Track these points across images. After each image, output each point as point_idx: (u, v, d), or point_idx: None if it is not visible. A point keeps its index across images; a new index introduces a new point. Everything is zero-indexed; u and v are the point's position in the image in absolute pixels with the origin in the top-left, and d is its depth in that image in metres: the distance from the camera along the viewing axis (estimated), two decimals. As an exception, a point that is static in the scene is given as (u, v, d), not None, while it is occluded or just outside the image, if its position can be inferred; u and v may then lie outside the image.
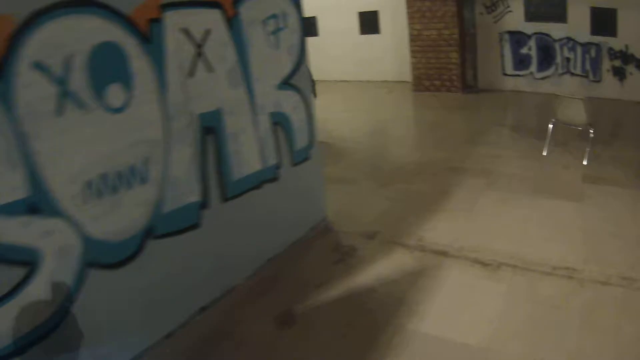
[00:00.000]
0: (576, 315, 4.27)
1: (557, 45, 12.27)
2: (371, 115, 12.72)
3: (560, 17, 11.92)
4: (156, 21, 3.93)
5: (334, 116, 11.65)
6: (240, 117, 4.88)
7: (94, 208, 3.64)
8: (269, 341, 4.39)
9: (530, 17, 12.50)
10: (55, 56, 3.29)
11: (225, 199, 4.80)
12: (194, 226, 4.52)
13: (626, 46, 10.84)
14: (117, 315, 3.91)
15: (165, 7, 4.00)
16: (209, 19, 4.45)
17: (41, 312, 3.41)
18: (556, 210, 6.24)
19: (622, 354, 3.83)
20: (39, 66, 3.20)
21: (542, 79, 12.85)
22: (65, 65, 3.35)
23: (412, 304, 4.61)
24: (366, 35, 16.45)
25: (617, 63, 11.17)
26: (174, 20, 4.07)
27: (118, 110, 3.71)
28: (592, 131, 7.78)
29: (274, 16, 5.19)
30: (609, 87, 11.50)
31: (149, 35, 3.88)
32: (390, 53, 15.97)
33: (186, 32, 4.19)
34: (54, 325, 3.49)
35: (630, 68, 10.90)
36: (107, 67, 3.61)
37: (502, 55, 13.35)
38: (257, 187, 5.19)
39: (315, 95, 9.39)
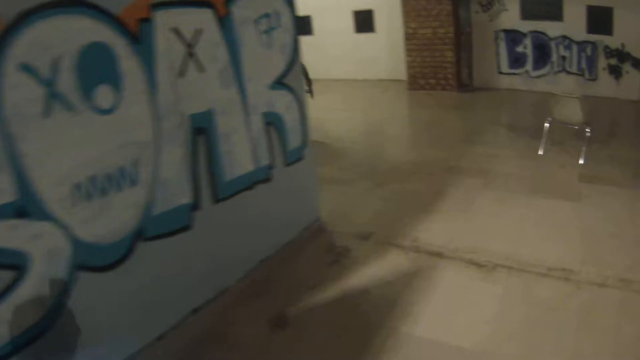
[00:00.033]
0: (573, 318, 4.25)
1: (552, 44, 12.27)
2: (366, 115, 12.73)
3: (556, 15, 11.91)
4: (146, 21, 3.88)
5: (328, 115, 11.61)
6: (232, 117, 4.84)
7: (83, 211, 3.59)
8: (262, 344, 4.37)
9: (525, 15, 12.50)
10: (43, 57, 3.24)
11: (217, 200, 4.75)
12: (185, 228, 4.47)
13: (622, 44, 10.84)
14: (107, 317, 3.87)
15: (156, 6, 3.95)
16: (200, 18, 4.40)
17: (30, 316, 3.37)
18: (553, 210, 6.23)
19: (620, 356, 3.82)
20: (27, 67, 3.15)
21: (538, 77, 12.86)
22: (53, 66, 3.30)
23: (406, 305, 4.59)
24: (361, 34, 16.43)
25: (613, 61, 11.18)
26: (164, 20, 4.02)
27: (107, 111, 3.66)
28: (588, 130, 7.77)
29: (266, 15, 5.15)
30: (605, 85, 11.50)
31: (138, 36, 3.83)
32: (385, 52, 15.96)
33: (177, 31, 4.14)
34: (44, 328, 3.45)
35: (626, 66, 10.91)
36: (95, 68, 3.56)
37: (498, 54, 13.35)
38: (249, 188, 5.14)
39: (312, 95, 9.40)
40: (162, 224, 4.24)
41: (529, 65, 12.94)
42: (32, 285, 3.35)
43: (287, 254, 5.69)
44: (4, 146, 3.09)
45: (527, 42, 12.71)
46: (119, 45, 3.70)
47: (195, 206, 4.53)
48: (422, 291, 4.79)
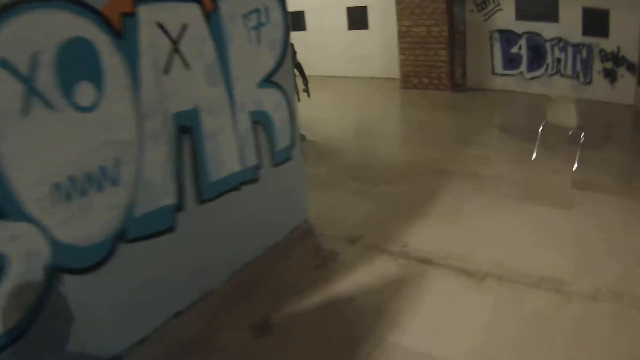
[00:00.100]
0: (564, 331, 4.18)
1: (547, 45, 12.24)
2: (358, 113, 12.66)
3: (552, 16, 11.87)
4: (129, 16, 3.79)
5: (319, 113, 11.54)
6: (218, 116, 4.75)
7: (62, 211, 3.51)
8: (246, 349, 4.29)
9: (521, 15, 12.46)
10: (21, 53, 3.15)
11: (202, 201, 4.68)
12: (169, 230, 4.39)
13: (618, 48, 10.81)
14: (87, 320, 3.78)
15: (140, 0, 3.85)
16: (186, 13, 4.31)
17: (8, 318, 3.29)
18: (545, 217, 6.17)
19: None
20: (4, 63, 3.05)
21: (532, 79, 12.83)
22: (32, 63, 3.20)
23: (394, 314, 4.51)
24: (354, 30, 16.38)
25: (609, 65, 11.14)
26: (148, 14, 3.92)
27: (88, 109, 3.57)
28: (582, 135, 7.71)
29: (256, 10, 5.07)
30: (600, 89, 11.47)
31: (121, 31, 3.74)
32: (378, 49, 15.92)
33: (161, 27, 4.05)
34: (22, 330, 3.38)
35: (622, 70, 10.87)
36: (76, 64, 3.47)
37: (492, 54, 13.31)
38: (235, 188, 5.07)
39: (309, 94, 9.31)
40: (145, 226, 4.16)
41: (523, 67, 12.90)
42: (10, 288, 3.28)
43: (274, 256, 5.61)
44: (-20, 145, 3.00)
45: (522, 43, 12.67)
46: (101, 40, 3.61)
47: (179, 207, 4.46)
48: (410, 300, 4.71)
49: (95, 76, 3.59)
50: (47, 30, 3.28)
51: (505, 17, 12.71)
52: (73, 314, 3.66)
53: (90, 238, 3.74)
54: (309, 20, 17.12)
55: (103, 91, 3.64)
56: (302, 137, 9.32)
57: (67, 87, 3.40)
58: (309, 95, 9.41)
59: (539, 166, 7.85)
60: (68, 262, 3.60)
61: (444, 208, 6.61)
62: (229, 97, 4.84)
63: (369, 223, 6.32)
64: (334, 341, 4.29)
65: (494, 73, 13.47)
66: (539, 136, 8.20)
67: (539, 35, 12.31)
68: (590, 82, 11.68)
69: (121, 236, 3.97)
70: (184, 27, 4.27)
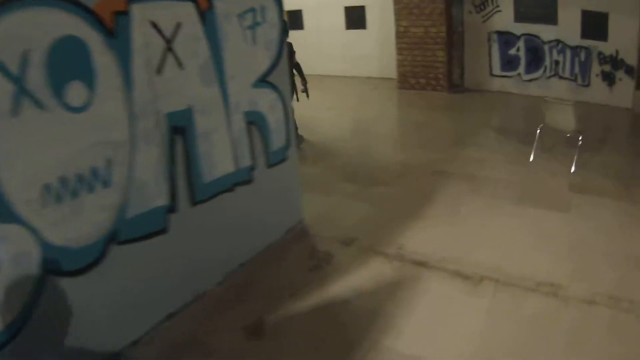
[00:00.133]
0: (561, 336, 4.14)
1: (546, 48, 12.21)
2: (355, 113, 12.62)
3: (551, 18, 11.85)
4: (122, 14, 3.75)
5: (316, 113, 11.50)
6: (212, 116, 4.71)
7: (53, 213, 3.46)
8: (238, 352, 4.25)
9: (519, 17, 12.44)
10: (11, 51, 3.10)
11: (195, 202, 4.64)
12: (161, 231, 4.35)
13: (616, 51, 10.78)
14: (79, 322, 3.74)
15: (133, -1, 3.82)
16: (181, 12, 4.27)
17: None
18: (542, 220, 6.13)
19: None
20: (-6, 63, 3.02)
21: (530, 80, 12.80)
22: (23, 62, 3.16)
23: (389, 318, 4.47)
24: (352, 30, 16.35)
25: (607, 68, 11.11)
26: (141, 13, 3.88)
27: (79, 109, 3.52)
28: (580, 138, 7.68)
29: (251, 10, 5.03)
30: (598, 92, 11.45)
31: (114, 30, 3.70)
32: (376, 49, 15.89)
33: (155, 26, 4.01)
34: (13, 334, 3.34)
35: (620, 74, 10.84)
36: (67, 63, 3.42)
37: (490, 56, 13.29)
38: (229, 189, 5.03)
39: (308, 95, 9.27)
40: (137, 227, 4.12)
41: (521, 69, 12.88)
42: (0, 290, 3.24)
43: (268, 258, 5.57)
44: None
45: (520, 44, 12.64)
46: (93, 39, 3.57)
47: (171, 208, 4.41)
48: (405, 303, 4.67)
49: (86, 76, 3.55)
50: (38, 29, 3.23)
51: (504, 18, 12.68)
52: (71, 312, 3.65)
53: (82, 240, 3.69)
54: (306, 19, 17.10)
55: (95, 91, 3.60)
56: (301, 138, 9.29)
57: (58, 87, 3.36)
58: (307, 96, 9.36)
59: (537, 169, 7.82)
60: (59, 264, 3.56)
61: (441, 210, 6.58)
62: (223, 97, 4.80)
63: (364, 224, 6.29)
64: (328, 344, 4.24)
65: (491, 74, 13.44)
66: (536, 138, 8.17)
67: (538, 37, 12.29)
68: (588, 85, 11.66)
69: (113, 238, 3.92)
70: (178, 26, 4.23)
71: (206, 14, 4.49)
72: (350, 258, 5.50)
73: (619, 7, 10.44)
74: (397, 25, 13.84)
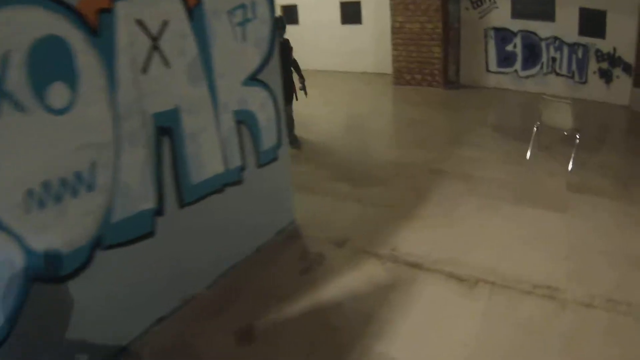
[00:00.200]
0: (557, 340, 4.09)
1: (543, 44, 12.21)
2: (350, 109, 12.59)
3: (548, 15, 11.85)
4: (106, 12, 3.65)
5: (310, 109, 11.38)
6: (200, 116, 4.62)
7: (36, 219, 3.37)
8: (228, 358, 4.19)
9: (517, 14, 12.43)
10: (-10, 52, 3.02)
11: (183, 204, 4.55)
12: (148, 235, 4.26)
13: (614, 49, 10.78)
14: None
15: (118, -4, 3.72)
16: (168, 9, 4.17)
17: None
18: (539, 220, 6.09)
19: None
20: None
21: (527, 77, 12.80)
22: (3, 62, 3.06)
23: (382, 322, 4.40)
24: (348, 25, 16.32)
25: (604, 65, 11.11)
26: (126, 10, 3.78)
27: (62, 111, 3.42)
28: (578, 136, 7.62)
29: (241, 6, 4.94)
30: (595, 89, 11.45)
31: (97, 28, 3.60)
32: (371, 45, 15.89)
33: (141, 23, 3.91)
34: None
35: (617, 71, 10.84)
36: (49, 63, 3.32)
37: (487, 52, 13.26)
38: (218, 191, 4.95)
39: (306, 93, 9.18)
40: (123, 231, 4.04)
41: (518, 65, 12.87)
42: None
43: (259, 260, 5.50)
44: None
45: (517, 41, 12.63)
46: (76, 38, 3.47)
47: (158, 211, 4.33)
48: (398, 307, 4.60)
49: (69, 76, 3.45)
50: (19, 29, 3.13)
51: (501, 15, 12.67)
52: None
53: (67, 245, 3.60)
54: (302, 14, 17.04)
55: (78, 92, 3.50)
56: (296, 140, 9.18)
57: (39, 88, 3.26)
58: (305, 94, 9.24)
59: (534, 168, 7.78)
60: (44, 271, 3.48)
61: (435, 210, 6.51)
62: (211, 96, 4.71)
63: (357, 225, 6.23)
64: (319, 350, 4.18)
65: (488, 71, 13.41)
66: (533, 137, 8.12)
67: (535, 34, 12.27)
68: (585, 82, 11.65)
69: (99, 243, 3.83)
70: (165, 24, 4.13)
71: (194, 11, 4.40)
72: (343, 260, 5.43)
73: (617, 4, 10.44)
74: (393, 20, 13.81)
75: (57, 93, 3.38)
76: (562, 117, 7.65)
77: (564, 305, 4.50)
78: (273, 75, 5.51)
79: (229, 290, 5.00)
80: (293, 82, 8.98)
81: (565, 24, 11.59)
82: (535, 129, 8.14)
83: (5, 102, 3.09)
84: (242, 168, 5.21)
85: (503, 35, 12.78)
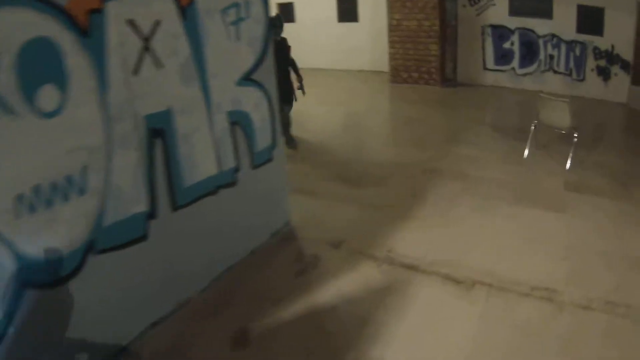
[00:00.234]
0: (555, 343, 4.06)
1: (541, 42, 12.21)
2: (346, 108, 12.56)
3: (546, 12, 11.85)
4: (97, 12, 3.60)
5: (306, 108, 11.35)
6: (193, 117, 4.57)
7: (26, 224, 3.32)
8: (223, 362, 4.17)
9: (514, 11, 12.43)
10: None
11: (176, 207, 4.51)
12: (141, 238, 4.21)
13: (612, 46, 10.78)
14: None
15: (108, -5, 3.68)
16: (159, 8, 4.12)
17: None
18: (536, 221, 6.06)
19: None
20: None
21: (524, 75, 12.80)
22: (-9, 65, 3.02)
23: (377, 326, 4.36)
24: (344, 23, 16.30)
25: (602, 63, 11.11)
26: (117, 10, 3.73)
27: (52, 114, 3.37)
28: (576, 135, 7.59)
29: (235, 5, 4.89)
30: (593, 86, 11.45)
31: (88, 29, 3.55)
32: (368, 42, 15.89)
33: (132, 23, 3.87)
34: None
35: (615, 69, 10.84)
36: (38, 66, 3.27)
37: (484, 49, 13.25)
38: (212, 193, 4.90)
39: (304, 92, 9.13)
40: (116, 235, 3.99)
41: (515, 63, 12.87)
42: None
43: (254, 262, 5.46)
44: None
45: (515, 38, 12.62)
46: (66, 39, 3.41)
47: (151, 215, 4.28)
48: (395, 309, 4.57)
49: (59, 78, 3.40)
50: (7, 31, 3.08)
51: (499, 12, 12.67)
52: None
53: (58, 251, 3.55)
54: (298, 11, 17.02)
55: (68, 94, 3.45)
56: (292, 140, 9.14)
57: (29, 92, 3.21)
58: (303, 93, 9.19)
59: (531, 167, 7.76)
60: (36, 276, 3.43)
61: (432, 210, 6.48)
62: (205, 97, 4.66)
63: (353, 226, 6.19)
64: (314, 354, 4.15)
65: (485, 68, 13.40)
66: (530, 135, 8.09)
67: (532, 31, 12.25)
68: (583, 80, 11.65)
69: (91, 247, 3.79)
70: (157, 23, 4.08)
71: (187, 10, 4.36)
72: (338, 262, 5.39)
73: (615, 2, 10.43)
74: (390, 18, 13.81)
75: (47, 96, 3.33)
76: (559, 116, 7.63)
77: (562, 308, 4.47)
78: (267, 74, 5.46)
79: (224, 293, 4.96)
80: (291, 82, 8.91)
81: (563, 21, 11.60)
82: (532, 127, 8.10)
83: (-6, 107, 3.06)
84: (236, 169, 5.16)
85: (500, 33, 12.78)
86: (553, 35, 11.89)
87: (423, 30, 13.29)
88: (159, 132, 4.23)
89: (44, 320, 3.51)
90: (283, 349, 4.23)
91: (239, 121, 5.13)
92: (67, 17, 3.41)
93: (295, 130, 9.44)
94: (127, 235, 4.09)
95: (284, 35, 8.63)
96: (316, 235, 5.98)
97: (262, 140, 5.50)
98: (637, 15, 10.23)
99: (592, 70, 11.39)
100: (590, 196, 6.63)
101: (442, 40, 13.25)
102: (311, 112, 11.41)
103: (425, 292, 4.82)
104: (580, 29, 11.37)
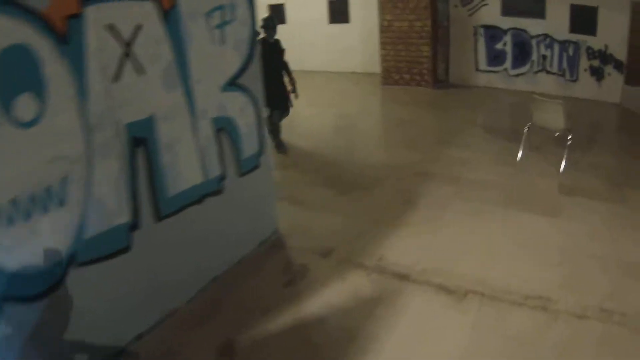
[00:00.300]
0: (550, 353, 4.02)
1: (533, 42, 12.23)
2: (337, 110, 12.56)
3: (539, 12, 11.88)
4: (75, 17, 3.53)
5: (297, 110, 11.31)
6: (176, 124, 4.51)
7: (5, 238, 3.25)
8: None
9: (506, 11, 12.45)
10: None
11: (160, 217, 4.44)
12: (124, 250, 4.14)
13: (605, 46, 10.79)
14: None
15: (87, 0, 3.59)
16: (141, 12, 4.05)
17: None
18: (530, 226, 6.03)
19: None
20: None
21: (517, 76, 12.82)
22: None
23: (366, 339, 4.30)
24: (335, 24, 16.30)
25: (596, 63, 11.12)
26: (97, 15, 3.66)
27: (29, 124, 3.29)
28: (569, 137, 7.56)
29: (219, 7, 4.83)
30: (586, 87, 11.47)
31: (66, 35, 3.48)
32: (359, 44, 15.92)
33: (112, 29, 3.80)
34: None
35: (609, 69, 10.86)
36: (15, 74, 3.20)
37: (476, 50, 13.26)
38: (197, 202, 4.83)
39: (297, 95, 9.04)
40: (97, 247, 3.92)
41: (508, 63, 12.87)
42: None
43: (241, 272, 5.39)
44: None
45: (507, 39, 12.62)
46: (43, 46, 3.34)
47: (134, 226, 4.21)
48: (384, 321, 4.50)
49: (36, 87, 3.32)
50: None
51: (491, 12, 12.69)
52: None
53: (38, 264, 3.49)
54: (289, 13, 16.99)
55: (46, 103, 3.38)
56: (282, 145, 9.06)
57: (5, 101, 3.13)
58: (296, 96, 9.10)
59: (524, 169, 7.75)
60: (15, 290, 3.36)
61: (423, 216, 6.44)
62: (188, 103, 4.60)
63: (343, 233, 6.13)
64: (301, 368, 4.09)
65: (477, 69, 13.41)
66: (524, 137, 8.06)
67: (525, 31, 12.26)
68: (576, 80, 11.67)
69: (72, 260, 3.71)
70: (138, 28, 4.01)
71: (169, 14, 4.29)
72: (327, 271, 5.33)
73: (609, 1, 10.42)
74: (381, 19, 13.82)
75: (24, 105, 3.25)
76: (553, 118, 7.61)
77: (556, 316, 4.43)
78: (254, 79, 5.41)
79: (210, 304, 4.90)
80: (286, 88, 8.83)
81: (556, 21, 11.62)
82: (526, 129, 8.08)
83: (-31, 117, 2.99)
84: (222, 177, 5.10)
85: (493, 33, 12.79)
86: (546, 36, 11.91)
87: (414, 31, 13.29)
88: (141, 140, 4.16)
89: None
90: (270, 361, 4.18)
91: (224, 127, 5.07)
92: (44, 23, 3.33)
93: (285, 134, 9.37)
94: (110, 247, 4.02)
95: (277, 37, 8.55)
96: (305, 243, 5.93)
97: (249, 146, 5.44)
98: (630, 14, 10.23)
99: (586, 70, 11.42)
100: (584, 199, 6.61)
101: (433, 41, 13.25)
102: (302, 115, 11.36)
103: (416, 302, 4.77)
104: (574, 28, 11.39)
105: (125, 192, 4.08)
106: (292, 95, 9.03)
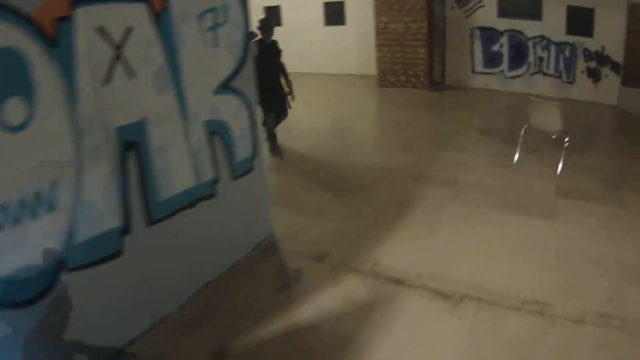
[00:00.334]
0: (547, 357, 4.00)
1: (530, 44, 12.24)
2: (333, 112, 12.53)
3: (535, 14, 11.87)
4: (65, 20, 3.50)
5: (293, 113, 11.27)
6: (168, 127, 4.48)
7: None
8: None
9: (503, 13, 12.46)
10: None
11: (152, 222, 4.41)
12: (115, 255, 4.11)
13: (602, 47, 10.80)
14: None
15: (77, 2, 3.56)
16: (131, 15, 4.02)
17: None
18: (527, 229, 6.02)
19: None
20: None
21: (513, 77, 12.81)
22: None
23: (361, 344, 4.27)
24: (331, 26, 16.30)
25: (593, 64, 11.13)
26: (86, 17, 3.63)
27: (18, 128, 3.26)
28: (566, 139, 7.55)
29: (212, 9, 4.81)
30: (583, 88, 11.48)
31: (55, 38, 3.45)
32: (355, 46, 15.92)
33: (102, 31, 3.77)
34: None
35: (606, 70, 10.87)
36: (3, 78, 3.18)
37: (472, 52, 13.25)
38: (190, 206, 4.81)
39: (294, 97, 9.00)
40: (88, 252, 3.89)
41: (504, 65, 12.88)
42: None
43: (234, 277, 5.37)
44: None
45: (504, 40, 12.63)
46: (32, 50, 3.31)
47: (125, 230, 4.18)
48: (379, 326, 4.48)
49: (25, 90, 3.29)
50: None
51: (487, 14, 12.69)
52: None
53: (28, 269, 3.45)
54: (285, 15, 17.00)
55: (35, 107, 3.35)
56: (277, 147, 9.03)
57: (-7, 106, 3.12)
58: (293, 98, 9.06)
59: (521, 172, 7.74)
60: (5, 296, 3.34)
61: (419, 219, 6.42)
62: (180, 107, 4.57)
63: (337, 237, 6.10)
64: (295, 374, 4.07)
65: (474, 71, 13.41)
66: (520, 139, 8.05)
67: (522, 33, 12.26)
68: (573, 82, 11.67)
69: (62, 265, 3.68)
70: (129, 30, 3.99)
71: (161, 16, 4.26)
72: (322, 276, 5.30)
73: (605, 2, 10.42)
74: (377, 21, 13.81)
75: (13, 109, 3.22)
76: (550, 120, 7.60)
77: (554, 321, 4.41)
78: (247, 81, 5.38)
79: (203, 309, 4.87)
80: (283, 90, 8.79)
81: (552, 23, 11.63)
82: (522, 131, 8.06)
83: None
84: (214, 181, 5.08)
85: (489, 35, 12.79)
86: (542, 37, 11.92)
87: (410, 33, 13.29)
88: (132, 144, 4.13)
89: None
90: (263, 368, 4.15)
91: (217, 131, 5.04)
92: (33, 26, 3.30)
93: (280, 137, 9.34)
94: (101, 251, 3.99)
95: (274, 38, 8.51)
96: (299, 247, 5.90)
97: (242, 150, 5.41)
98: (627, 16, 10.24)
99: (582, 72, 11.42)
100: (581, 201, 6.60)
101: (429, 43, 13.25)
102: (298, 117, 11.29)
103: (412, 307, 4.75)
104: (570, 30, 11.39)
105: (116, 197, 4.05)
106: (289, 97, 8.98)
